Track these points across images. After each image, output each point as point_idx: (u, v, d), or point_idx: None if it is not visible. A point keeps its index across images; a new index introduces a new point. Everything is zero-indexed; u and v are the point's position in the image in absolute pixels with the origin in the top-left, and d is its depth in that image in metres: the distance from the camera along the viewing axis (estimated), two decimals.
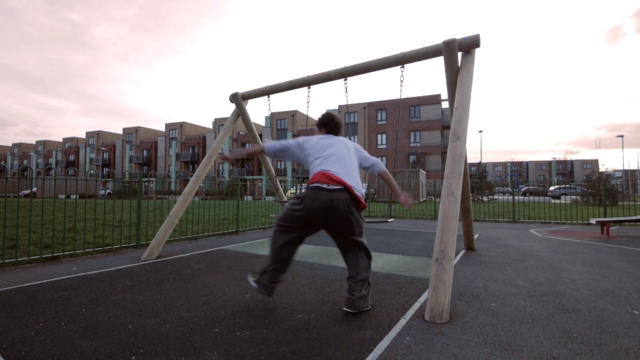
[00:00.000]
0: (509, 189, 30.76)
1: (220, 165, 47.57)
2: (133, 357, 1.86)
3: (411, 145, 36.92)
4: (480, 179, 23.33)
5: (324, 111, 3.36)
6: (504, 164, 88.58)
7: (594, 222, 7.30)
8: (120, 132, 61.12)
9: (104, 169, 55.11)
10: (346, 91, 4.15)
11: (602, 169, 21.83)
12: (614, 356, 1.90)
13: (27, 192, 25.03)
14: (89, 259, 4.49)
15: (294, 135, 43.42)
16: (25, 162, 68.17)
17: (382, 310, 2.60)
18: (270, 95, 5.25)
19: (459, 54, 3.54)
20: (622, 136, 39.80)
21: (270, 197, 19.69)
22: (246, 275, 3.62)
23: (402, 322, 2.37)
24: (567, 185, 21.88)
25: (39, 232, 5.83)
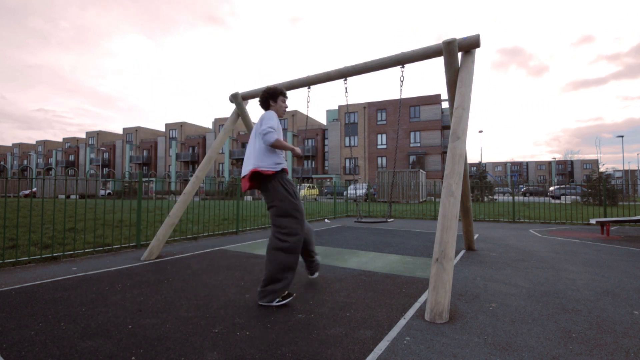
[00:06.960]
0: (509, 189, 30.74)
1: (220, 165, 47.57)
2: (133, 357, 1.86)
3: (411, 145, 36.94)
4: (480, 179, 23.33)
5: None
6: (504, 164, 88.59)
7: (594, 222, 7.29)
8: (120, 132, 61.18)
9: (104, 169, 55.12)
10: (346, 91, 4.15)
11: (602, 169, 21.83)
12: (614, 356, 1.90)
13: (27, 192, 25.03)
14: (89, 259, 4.49)
15: (294, 136, 43.43)
16: (25, 162, 68.18)
17: (382, 310, 2.60)
18: None
19: (459, 54, 3.54)
20: (622, 136, 39.92)
21: None
22: (246, 275, 3.62)
23: (402, 322, 2.37)
24: (567, 185, 21.88)
25: (39, 232, 5.83)
